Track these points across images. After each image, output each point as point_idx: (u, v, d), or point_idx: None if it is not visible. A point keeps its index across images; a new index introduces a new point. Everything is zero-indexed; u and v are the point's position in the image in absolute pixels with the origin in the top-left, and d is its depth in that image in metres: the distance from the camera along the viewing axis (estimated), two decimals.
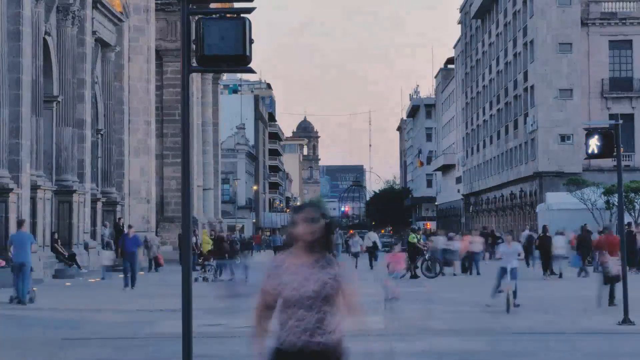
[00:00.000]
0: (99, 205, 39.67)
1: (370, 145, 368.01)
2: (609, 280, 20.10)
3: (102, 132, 41.34)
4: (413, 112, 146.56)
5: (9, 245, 23.25)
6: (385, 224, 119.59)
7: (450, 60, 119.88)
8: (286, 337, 5.44)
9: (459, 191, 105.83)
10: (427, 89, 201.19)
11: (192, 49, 8.98)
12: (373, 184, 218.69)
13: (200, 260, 36.43)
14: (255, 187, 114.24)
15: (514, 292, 20.00)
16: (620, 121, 17.50)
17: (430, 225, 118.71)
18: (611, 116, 46.83)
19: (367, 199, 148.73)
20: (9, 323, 18.23)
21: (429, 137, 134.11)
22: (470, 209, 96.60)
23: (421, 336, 15.63)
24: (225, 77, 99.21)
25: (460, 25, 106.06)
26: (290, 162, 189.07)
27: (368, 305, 21.08)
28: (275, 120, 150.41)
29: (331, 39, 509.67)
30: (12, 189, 29.53)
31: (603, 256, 20.98)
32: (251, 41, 8.80)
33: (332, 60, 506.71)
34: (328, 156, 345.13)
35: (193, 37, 8.90)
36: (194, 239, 45.25)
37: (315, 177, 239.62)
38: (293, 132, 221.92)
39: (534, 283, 28.14)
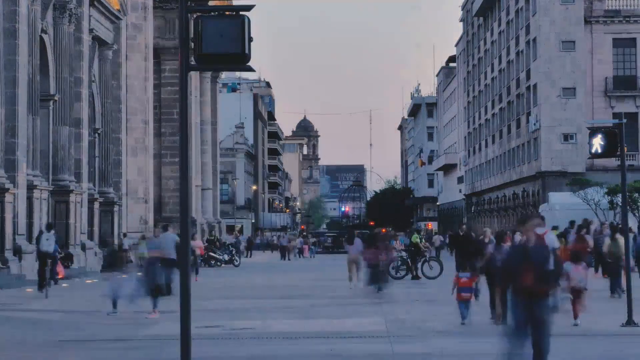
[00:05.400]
0: (96, 205, 39.44)
1: (370, 145, 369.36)
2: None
3: (99, 131, 41.10)
4: (414, 111, 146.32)
5: None
6: (386, 224, 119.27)
7: (451, 59, 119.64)
8: None
9: (460, 191, 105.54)
10: (429, 88, 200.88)
11: (190, 47, 8.85)
12: (374, 184, 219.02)
13: None
14: (254, 187, 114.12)
15: None
16: (624, 120, 17.26)
17: (432, 225, 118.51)
18: (615, 115, 46.65)
19: (368, 199, 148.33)
20: (6, 324, 18.04)
21: (430, 137, 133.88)
22: (472, 209, 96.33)
23: (422, 337, 15.38)
24: (224, 75, 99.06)
25: (462, 23, 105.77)
26: (290, 162, 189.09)
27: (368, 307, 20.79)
28: (274, 119, 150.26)
29: (331, 37, 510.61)
30: (8, 189, 29.40)
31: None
32: (250, 39, 8.69)
33: (333, 58, 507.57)
34: (328, 155, 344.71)
35: (191, 35, 8.76)
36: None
37: (315, 177, 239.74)
38: (293, 131, 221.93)
39: None
